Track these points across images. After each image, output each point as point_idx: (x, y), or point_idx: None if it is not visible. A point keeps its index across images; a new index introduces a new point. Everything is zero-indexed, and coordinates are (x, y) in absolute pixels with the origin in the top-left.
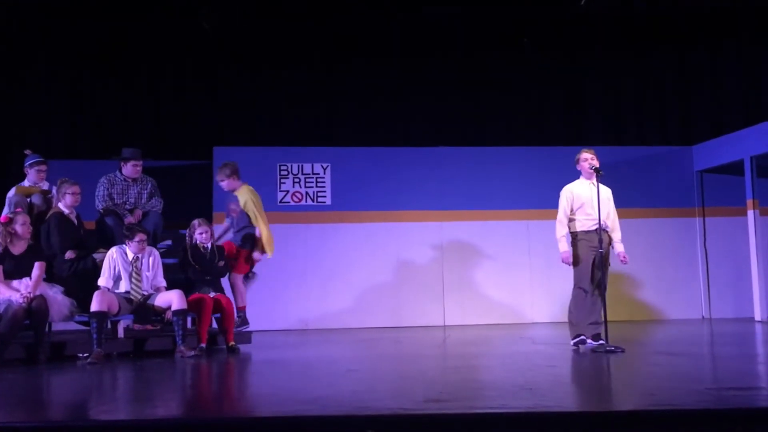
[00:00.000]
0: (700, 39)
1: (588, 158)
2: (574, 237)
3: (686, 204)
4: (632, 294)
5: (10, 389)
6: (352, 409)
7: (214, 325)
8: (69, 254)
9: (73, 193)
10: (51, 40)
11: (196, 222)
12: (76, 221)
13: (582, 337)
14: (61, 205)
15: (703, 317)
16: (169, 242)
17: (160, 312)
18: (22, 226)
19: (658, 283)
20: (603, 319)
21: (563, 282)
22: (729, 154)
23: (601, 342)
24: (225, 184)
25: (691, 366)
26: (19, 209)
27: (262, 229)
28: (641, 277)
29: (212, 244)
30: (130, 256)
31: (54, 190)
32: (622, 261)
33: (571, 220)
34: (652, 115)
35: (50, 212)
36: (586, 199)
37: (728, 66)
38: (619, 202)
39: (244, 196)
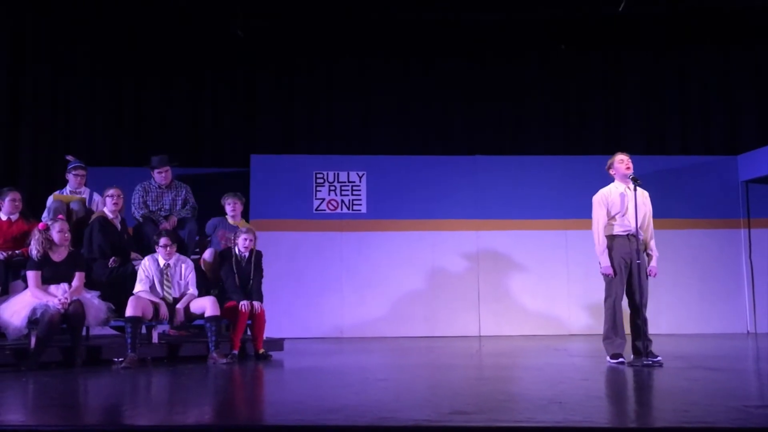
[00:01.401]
0: (744, 42)
1: (625, 160)
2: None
3: (731, 215)
4: (674, 307)
5: (46, 392)
6: (376, 419)
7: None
8: (112, 262)
9: (112, 196)
10: (93, 50)
11: (242, 229)
12: (119, 226)
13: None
14: (105, 210)
15: (748, 332)
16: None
17: (193, 318)
18: (59, 233)
19: (701, 296)
20: (626, 333)
21: (602, 293)
22: None
23: (621, 359)
24: (238, 213)
25: (731, 382)
26: (61, 216)
27: None
28: (684, 289)
29: (251, 252)
30: (162, 262)
31: (95, 197)
32: (650, 275)
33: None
34: (695, 123)
35: (94, 216)
36: (622, 204)
37: None
38: (662, 212)
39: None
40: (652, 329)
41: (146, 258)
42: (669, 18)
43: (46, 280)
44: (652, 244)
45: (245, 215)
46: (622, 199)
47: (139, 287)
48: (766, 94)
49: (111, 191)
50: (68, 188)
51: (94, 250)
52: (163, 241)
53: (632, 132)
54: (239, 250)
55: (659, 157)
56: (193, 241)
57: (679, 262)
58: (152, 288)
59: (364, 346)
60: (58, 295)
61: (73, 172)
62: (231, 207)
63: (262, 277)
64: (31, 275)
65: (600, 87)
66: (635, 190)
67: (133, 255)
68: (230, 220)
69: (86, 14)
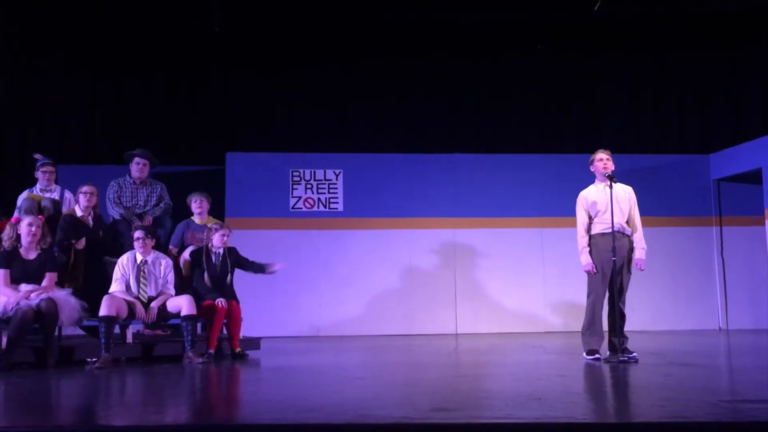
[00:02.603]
0: (718, 44)
1: (603, 158)
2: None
3: (703, 213)
4: (647, 304)
5: (18, 393)
6: (356, 417)
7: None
8: (80, 243)
9: (84, 193)
10: (66, 45)
11: (215, 226)
12: (92, 223)
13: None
14: (76, 208)
15: (720, 328)
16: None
17: (169, 317)
18: (27, 226)
19: (673, 293)
20: (604, 331)
21: (577, 291)
22: (747, 163)
23: (597, 356)
24: (205, 211)
25: (706, 377)
26: (41, 216)
27: None
28: (656, 286)
29: (225, 250)
30: (139, 259)
31: (67, 194)
32: (636, 267)
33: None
34: (669, 123)
35: (64, 213)
36: (603, 203)
37: (747, 72)
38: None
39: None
40: (625, 326)
41: (123, 256)
42: (644, 18)
43: (16, 279)
44: (637, 237)
45: (221, 214)
46: (600, 198)
47: (114, 287)
48: (738, 93)
49: (84, 188)
50: (38, 186)
51: (65, 246)
52: (137, 234)
53: (609, 131)
54: (214, 247)
55: (634, 155)
56: (170, 239)
57: (652, 260)
58: (128, 287)
59: (341, 344)
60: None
61: (41, 170)
62: (197, 204)
63: (255, 263)
64: (0, 273)
65: (576, 86)
66: (611, 187)
67: (108, 259)
68: (197, 219)
69: (60, 9)
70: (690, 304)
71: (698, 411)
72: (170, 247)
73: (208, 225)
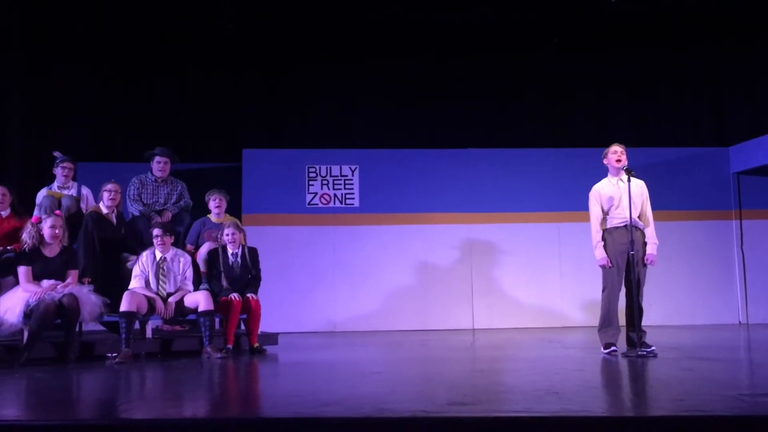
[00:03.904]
0: (735, 34)
1: (618, 152)
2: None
3: (723, 207)
4: (666, 298)
5: (40, 387)
6: (373, 411)
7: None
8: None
9: (109, 191)
10: (81, 45)
11: (226, 223)
12: (115, 221)
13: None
14: (101, 205)
15: (740, 322)
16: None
17: (187, 312)
18: (49, 228)
19: (693, 287)
20: (620, 325)
21: (594, 285)
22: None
23: (613, 349)
24: (223, 209)
25: (725, 371)
26: (58, 212)
27: None
28: (676, 281)
29: (243, 249)
30: (158, 256)
31: (84, 191)
32: (647, 262)
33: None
34: (686, 115)
35: (88, 211)
36: (617, 197)
37: (764, 64)
38: (653, 205)
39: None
40: (644, 320)
41: (144, 253)
42: (659, 11)
43: (38, 276)
44: (649, 231)
45: (237, 210)
46: (614, 192)
47: (134, 283)
48: (757, 85)
49: (109, 186)
50: (56, 184)
51: (89, 244)
52: (155, 231)
53: (622, 124)
54: (228, 246)
55: (651, 149)
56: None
57: (671, 254)
58: (147, 283)
59: (357, 339)
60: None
61: (61, 166)
62: (216, 203)
63: (259, 279)
64: (22, 270)
65: (590, 79)
66: (629, 181)
67: (126, 256)
68: (213, 218)
69: (73, 9)
70: (710, 299)
71: (718, 405)
72: (187, 245)
73: (224, 223)
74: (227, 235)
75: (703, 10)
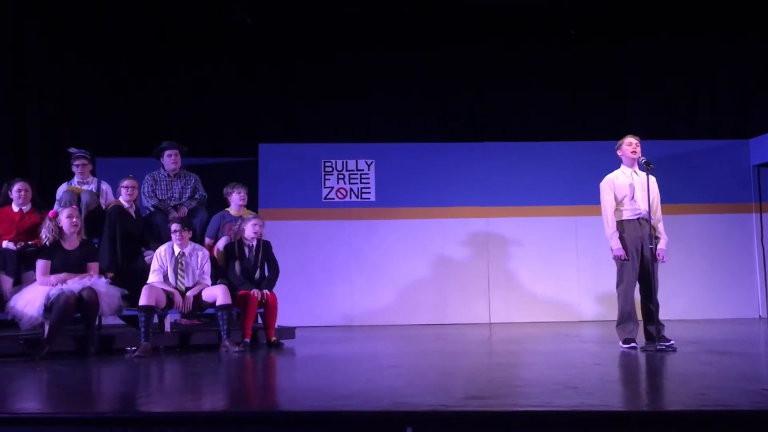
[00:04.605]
0: (754, 24)
1: (633, 143)
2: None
3: (743, 199)
4: (685, 292)
5: (60, 381)
6: (391, 404)
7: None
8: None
9: (126, 187)
10: (97, 41)
11: (249, 216)
12: (135, 215)
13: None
14: (121, 199)
15: (759, 316)
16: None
17: (204, 306)
18: (67, 218)
19: (712, 280)
20: (638, 319)
21: (612, 280)
22: None
23: (633, 344)
24: (245, 202)
25: (746, 366)
26: (74, 205)
27: None
28: (695, 274)
29: (258, 242)
30: (177, 251)
31: (103, 186)
32: (658, 258)
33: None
34: (705, 107)
35: (110, 205)
36: (629, 188)
37: None
38: (672, 198)
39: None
40: (662, 314)
41: (161, 247)
42: (678, 3)
43: (57, 269)
44: (660, 227)
45: (254, 205)
46: (628, 183)
47: (152, 278)
48: None
49: (126, 182)
50: (75, 179)
51: (115, 239)
52: (173, 227)
53: (640, 116)
54: (246, 239)
55: (669, 141)
56: (205, 230)
57: (690, 248)
58: (165, 277)
59: (374, 333)
60: (68, 282)
61: (76, 162)
62: (241, 195)
63: (278, 270)
64: (40, 264)
65: (607, 71)
66: (648, 174)
67: (144, 250)
68: (232, 211)
69: (89, 4)
70: (729, 293)
71: (740, 399)
72: (206, 239)
73: (243, 216)
74: (254, 225)
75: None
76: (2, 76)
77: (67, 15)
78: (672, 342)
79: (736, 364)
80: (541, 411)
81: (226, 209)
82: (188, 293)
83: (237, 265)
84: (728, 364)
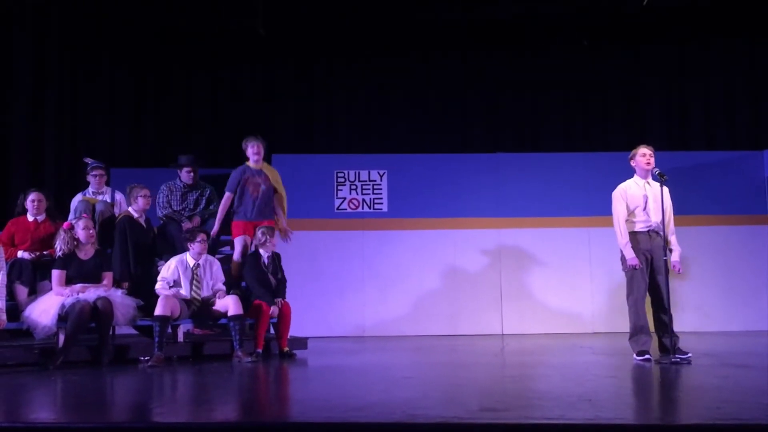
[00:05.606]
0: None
1: (647, 154)
2: None
3: (757, 211)
4: (698, 304)
5: (74, 390)
6: (405, 416)
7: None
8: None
9: (144, 196)
10: (113, 52)
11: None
12: (144, 225)
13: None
14: (131, 209)
15: None
16: (228, 248)
17: (218, 316)
18: (83, 230)
19: (727, 293)
20: (650, 331)
21: (625, 291)
22: None
23: (648, 357)
24: (261, 155)
25: (763, 379)
26: (85, 214)
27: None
28: (708, 286)
29: (272, 254)
30: (191, 263)
31: (118, 196)
32: (673, 269)
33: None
34: (719, 118)
35: (120, 215)
36: (642, 199)
37: None
38: (685, 209)
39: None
40: (676, 326)
41: (173, 259)
42: (692, 11)
43: (73, 279)
44: (673, 239)
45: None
46: (641, 194)
47: (158, 285)
48: None
49: (144, 191)
50: (90, 189)
51: (127, 249)
52: (200, 236)
53: (655, 128)
54: (261, 251)
55: (683, 153)
56: (218, 240)
57: (704, 259)
58: (176, 285)
59: (386, 344)
60: (84, 292)
61: (92, 173)
62: (255, 149)
63: (285, 281)
64: (56, 274)
65: (622, 82)
66: (661, 185)
67: (157, 261)
68: (253, 164)
69: (106, 16)
70: (743, 305)
71: (756, 414)
72: (226, 192)
73: (263, 169)
74: (262, 234)
75: (738, 8)
76: (22, 88)
77: (87, 27)
78: (689, 354)
79: (752, 378)
80: (556, 424)
81: (247, 163)
82: (217, 298)
83: (257, 279)
84: (744, 378)
